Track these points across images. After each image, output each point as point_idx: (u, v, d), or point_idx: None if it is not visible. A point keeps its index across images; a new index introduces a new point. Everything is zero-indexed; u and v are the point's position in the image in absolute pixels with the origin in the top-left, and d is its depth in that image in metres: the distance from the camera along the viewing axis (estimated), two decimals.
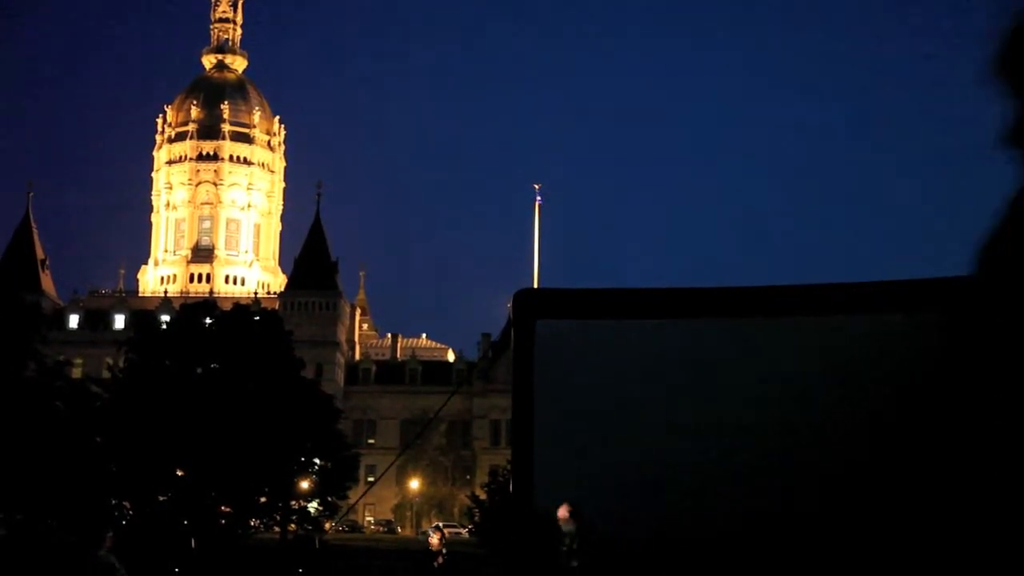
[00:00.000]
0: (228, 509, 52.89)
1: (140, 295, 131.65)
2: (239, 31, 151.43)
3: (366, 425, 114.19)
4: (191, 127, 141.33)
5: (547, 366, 4.99)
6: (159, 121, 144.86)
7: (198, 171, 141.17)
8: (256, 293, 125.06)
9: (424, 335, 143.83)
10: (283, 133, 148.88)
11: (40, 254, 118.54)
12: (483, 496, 61.46)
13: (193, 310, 60.77)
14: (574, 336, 5.08)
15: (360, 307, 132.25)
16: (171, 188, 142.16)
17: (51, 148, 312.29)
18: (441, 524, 31.76)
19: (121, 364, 57.97)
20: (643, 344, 5.08)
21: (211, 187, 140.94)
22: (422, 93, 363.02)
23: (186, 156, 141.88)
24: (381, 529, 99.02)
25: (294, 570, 41.64)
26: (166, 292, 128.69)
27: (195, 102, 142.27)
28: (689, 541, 4.92)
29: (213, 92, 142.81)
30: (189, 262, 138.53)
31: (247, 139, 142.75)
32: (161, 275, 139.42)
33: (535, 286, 31.86)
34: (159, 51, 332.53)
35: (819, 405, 5.06)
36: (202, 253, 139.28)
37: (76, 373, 79.57)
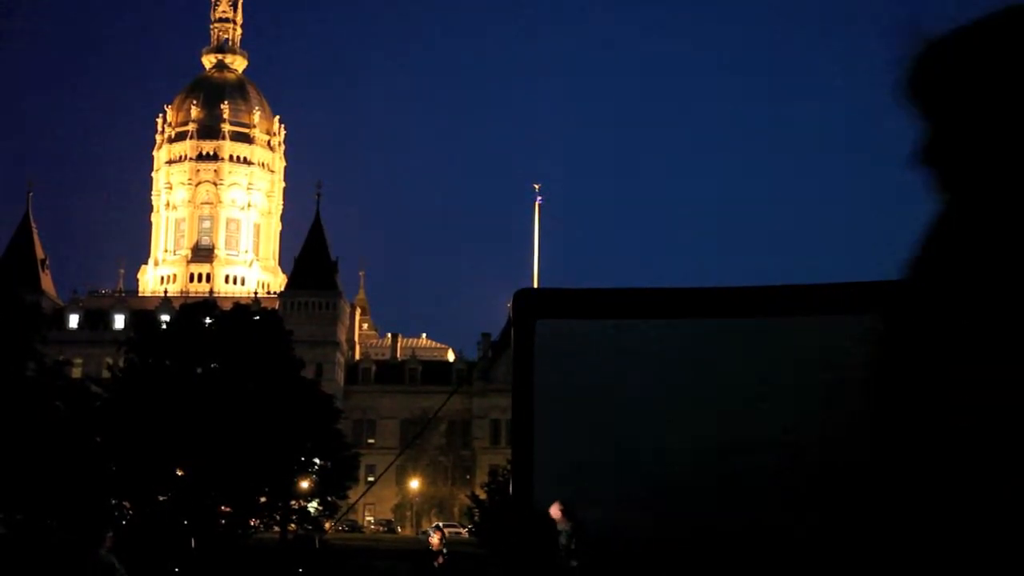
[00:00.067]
0: (228, 509, 52.91)
1: (140, 295, 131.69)
2: (239, 31, 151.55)
3: (366, 425, 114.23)
4: (191, 127, 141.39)
5: (547, 366, 4.99)
6: (159, 121, 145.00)
7: (198, 171, 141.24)
8: (256, 293, 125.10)
9: (424, 335, 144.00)
10: (283, 133, 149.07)
11: (40, 254, 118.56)
12: (483, 496, 61.48)
13: (193, 310, 60.80)
14: (574, 336, 5.08)
15: (360, 307, 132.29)
16: (171, 188, 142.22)
17: (51, 148, 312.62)
18: (441, 524, 31.76)
19: (121, 364, 57.98)
20: (643, 344, 5.08)
21: (211, 187, 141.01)
22: (422, 93, 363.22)
23: (186, 156, 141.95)
24: (381, 529, 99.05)
25: (294, 570, 41.63)
26: (166, 292, 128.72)
27: (195, 102, 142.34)
28: (689, 541, 4.92)
29: (213, 92, 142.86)
30: (189, 262, 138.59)
31: (247, 139, 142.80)
32: (161, 275, 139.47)
33: (535, 286, 31.87)
34: (159, 51, 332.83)
35: (820, 405, 5.05)
36: (202, 253, 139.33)
37: (76, 373, 79.62)
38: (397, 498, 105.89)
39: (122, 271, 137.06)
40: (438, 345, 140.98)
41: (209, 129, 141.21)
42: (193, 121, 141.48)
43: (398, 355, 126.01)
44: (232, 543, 49.27)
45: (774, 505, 4.90)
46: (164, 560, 37.52)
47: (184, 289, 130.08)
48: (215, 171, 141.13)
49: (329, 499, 60.92)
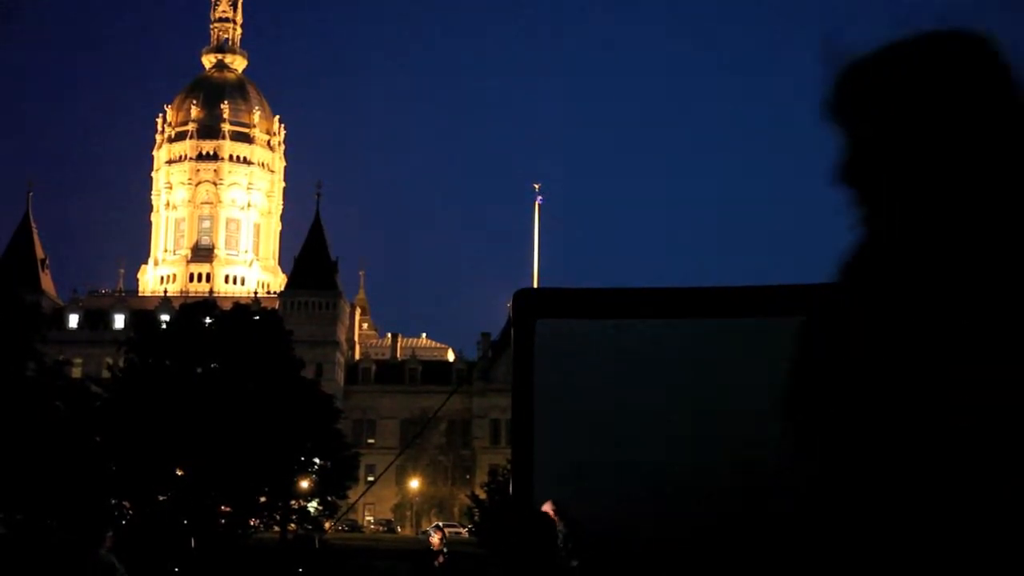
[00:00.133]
0: (228, 509, 52.90)
1: (140, 295, 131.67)
2: (239, 31, 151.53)
3: (366, 425, 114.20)
4: (191, 127, 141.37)
5: (547, 366, 4.98)
6: (159, 121, 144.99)
7: (198, 171, 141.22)
8: (256, 293, 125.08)
9: (424, 335, 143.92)
10: (283, 133, 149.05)
11: (40, 254, 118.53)
12: (483, 496, 61.44)
13: (193, 310, 60.79)
14: (574, 336, 5.07)
15: (360, 307, 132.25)
16: (171, 188, 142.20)
17: (51, 148, 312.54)
18: (441, 524, 31.74)
19: (121, 364, 57.98)
20: (643, 344, 5.07)
21: (211, 187, 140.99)
22: (422, 93, 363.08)
23: (186, 156, 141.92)
24: (381, 529, 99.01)
25: (294, 570, 41.63)
26: (166, 292, 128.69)
27: (195, 102, 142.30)
28: (689, 541, 4.92)
29: (213, 92, 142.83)
30: (189, 262, 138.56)
31: (247, 139, 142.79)
32: (161, 275, 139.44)
33: (535, 286, 31.87)
34: (159, 51, 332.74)
35: None
36: (202, 253, 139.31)
37: (76, 373, 79.64)
38: (397, 498, 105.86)
39: (122, 271, 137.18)
40: (438, 345, 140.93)
41: (209, 129, 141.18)
42: (193, 121, 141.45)
43: (398, 355, 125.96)
44: (232, 543, 49.26)
45: (776, 504, 4.89)
46: (164, 560, 37.51)
47: (184, 289, 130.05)
48: (215, 171, 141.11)
49: (329, 499, 60.91)
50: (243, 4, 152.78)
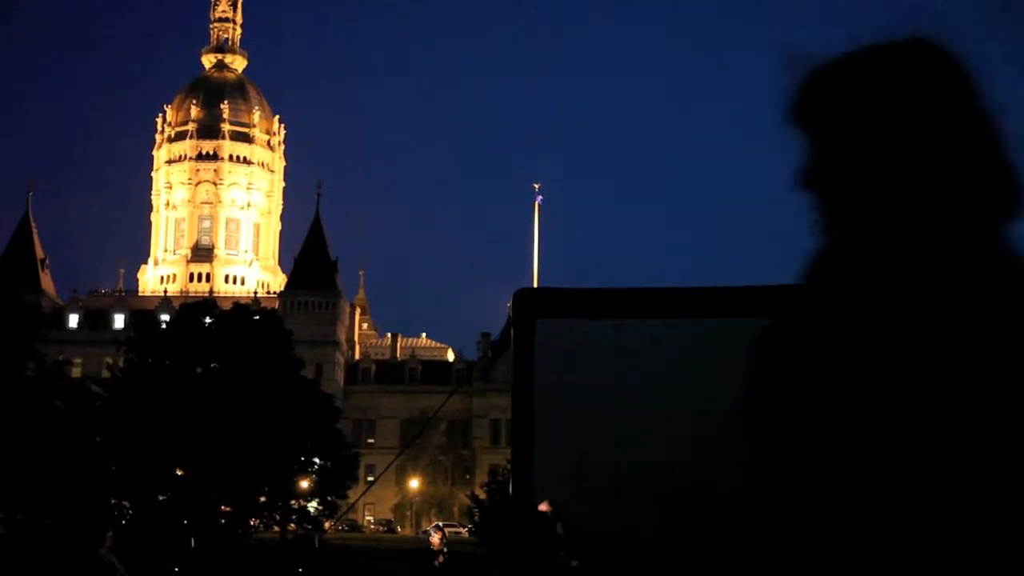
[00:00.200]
0: (228, 509, 52.90)
1: (140, 295, 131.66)
2: (239, 31, 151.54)
3: (366, 425, 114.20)
4: (191, 127, 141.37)
5: (547, 366, 4.99)
6: (159, 121, 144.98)
7: (198, 170, 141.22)
8: (256, 293, 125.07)
9: (424, 335, 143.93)
10: (283, 133, 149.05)
11: (40, 254, 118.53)
12: (483, 496, 61.45)
13: (193, 310, 60.78)
14: (574, 336, 5.08)
15: (360, 307, 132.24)
16: (171, 187, 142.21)
17: (51, 148, 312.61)
18: (441, 523, 31.75)
19: (121, 364, 57.98)
20: (643, 344, 5.08)
21: (211, 186, 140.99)
22: (422, 93, 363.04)
23: (186, 155, 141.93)
24: (381, 529, 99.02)
25: (294, 570, 41.62)
26: (166, 292, 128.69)
27: (195, 102, 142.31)
28: (690, 541, 4.92)
29: (213, 92, 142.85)
30: (189, 261, 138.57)
31: (247, 139, 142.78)
32: (161, 275, 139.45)
33: (535, 286, 31.88)
34: (159, 51, 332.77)
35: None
36: (202, 252, 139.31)
37: (76, 373, 79.64)
38: (397, 498, 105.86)
39: (122, 271, 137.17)
40: (438, 345, 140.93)
41: (209, 129, 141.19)
42: (193, 121, 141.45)
43: (398, 355, 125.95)
44: (232, 543, 49.27)
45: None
46: (164, 560, 37.51)
47: (184, 289, 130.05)
48: (215, 171, 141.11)
49: (329, 499, 60.92)
50: (243, 4, 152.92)
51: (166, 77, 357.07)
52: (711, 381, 5.03)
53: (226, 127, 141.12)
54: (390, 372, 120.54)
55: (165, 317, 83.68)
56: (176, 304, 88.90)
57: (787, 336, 1.58)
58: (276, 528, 57.30)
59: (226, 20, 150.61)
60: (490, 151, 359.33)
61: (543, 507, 5.73)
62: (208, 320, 58.46)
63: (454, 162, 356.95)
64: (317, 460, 59.88)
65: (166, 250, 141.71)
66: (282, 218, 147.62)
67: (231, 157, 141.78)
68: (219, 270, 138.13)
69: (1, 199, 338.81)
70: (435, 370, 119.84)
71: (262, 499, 55.04)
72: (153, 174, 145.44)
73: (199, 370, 54.52)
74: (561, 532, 6.11)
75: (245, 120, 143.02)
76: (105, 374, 63.79)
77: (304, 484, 58.97)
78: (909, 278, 1.45)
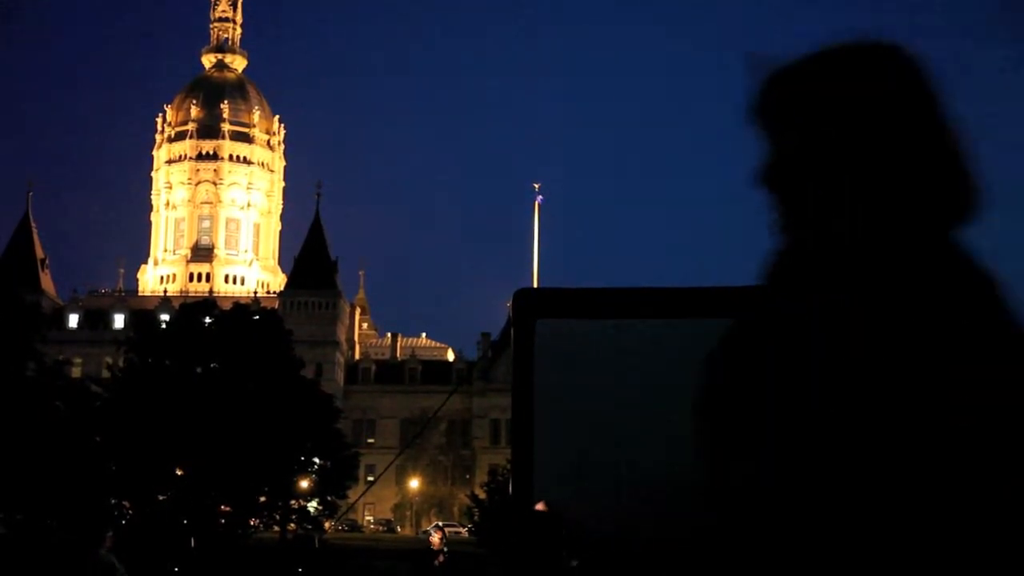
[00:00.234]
0: (228, 509, 52.89)
1: (140, 294, 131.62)
2: (239, 31, 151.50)
3: (366, 425, 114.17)
4: (191, 126, 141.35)
5: (547, 366, 4.98)
6: (159, 121, 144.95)
7: (198, 170, 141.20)
8: (256, 293, 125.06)
9: (424, 335, 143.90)
10: (283, 133, 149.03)
11: (40, 254, 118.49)
12: (483, 496, 61.45)
13: (193, 309, 60.77)
14: (574, 336, 5.07)
15: (360, 307, 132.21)
16: (171, 187, 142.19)
17: (51, 148, 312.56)
18: (441, 523, 31.75)
19: (121, 364, 57.97)
20: (643, 344, 5.08)
21: (211, 186, 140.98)
22: (422, 93, 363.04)
23: (186, 155, 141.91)
24: (381, 529, 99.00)
25: (294, 570, 41.63)
26: (166, 291, 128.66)
27: (195, 101, 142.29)
28: (689, 541, 4.92)
29: (213, 91, 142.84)
30: (189, 261, 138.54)
31: (247, 138, 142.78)
32: (161, 274, 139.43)
33: (535, 286, 31.88)
34: (159, 51, 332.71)
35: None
36: (202, 252, 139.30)
37: (76, 373, 79.61)
38: (397, 498, 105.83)
39: (122, 271, 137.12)
40: (438, 345, 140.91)
41: (209, 129, 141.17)
42: (193, 121, 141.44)
43: (398, 355, 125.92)
44: (232, 543, 49.26)
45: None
46: (164, 560, 37.52)
47: (184, 289, 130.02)
48: (215, 171, 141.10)
49: (329, 499, 60.90)
50: (243, 4, 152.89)
51: (166, 77, 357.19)
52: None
53: (226, 127, 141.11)
54: (390, 372, 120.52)
55: (165, 317, 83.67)
56: (176, 304, 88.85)
57: (746, 337, 1.60)
58: (276, 528, 57.29)
59: (226, 20, 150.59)
60: (490, 151, 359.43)
61: (539, 508, 5.76)
62: (208, 320, 58.45)
63: (454, 162, 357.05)
64: (317, 460, 59.86)
65: (166, 250, 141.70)
66: (282, 218, 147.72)
67: (231, 157, 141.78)
68: (219, 270, 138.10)
69: (1, 199, 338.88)
70: (435, 370, 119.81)
71: (262, 499, 55.03)
72: (153, 174, 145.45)
73: (199, 370, 54.51)
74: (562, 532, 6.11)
75: (245, 120, 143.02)
76: (105, 374, 63.77)
77: (304, 484, 58.96)
78: (871, 279, 1.47)
